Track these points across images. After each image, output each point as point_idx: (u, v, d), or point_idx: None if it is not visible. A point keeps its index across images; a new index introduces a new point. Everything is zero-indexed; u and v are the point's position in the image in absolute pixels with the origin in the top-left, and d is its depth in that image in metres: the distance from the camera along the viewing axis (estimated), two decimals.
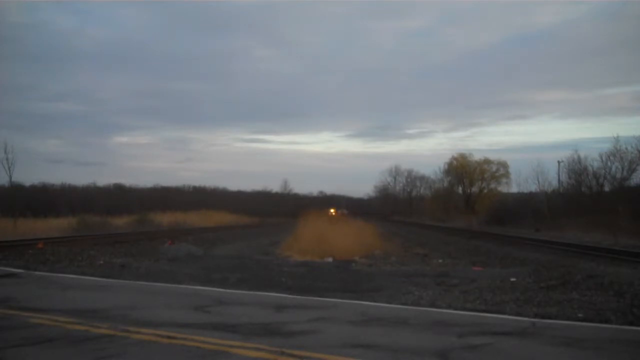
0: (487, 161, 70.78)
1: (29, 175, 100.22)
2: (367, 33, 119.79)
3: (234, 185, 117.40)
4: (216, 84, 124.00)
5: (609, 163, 37.91)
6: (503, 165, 69.09)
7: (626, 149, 36.55)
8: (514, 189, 58.92)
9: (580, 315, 7.20)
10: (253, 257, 16.31)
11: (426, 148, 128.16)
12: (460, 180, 72.69)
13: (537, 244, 23.21)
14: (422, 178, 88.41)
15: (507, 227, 37.74)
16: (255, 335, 5.50)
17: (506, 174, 68.12)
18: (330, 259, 15.37)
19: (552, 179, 45.73)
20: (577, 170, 41.07)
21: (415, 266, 13.90)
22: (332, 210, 47.63)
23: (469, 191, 72.54)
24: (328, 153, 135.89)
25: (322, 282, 10.74)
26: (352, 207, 64.50)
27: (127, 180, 78.67)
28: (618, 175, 37.32)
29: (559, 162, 45.31)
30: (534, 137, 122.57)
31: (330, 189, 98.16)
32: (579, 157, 40.85)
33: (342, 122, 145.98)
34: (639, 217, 26.46)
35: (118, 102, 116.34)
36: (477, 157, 72.50)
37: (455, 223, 51.48)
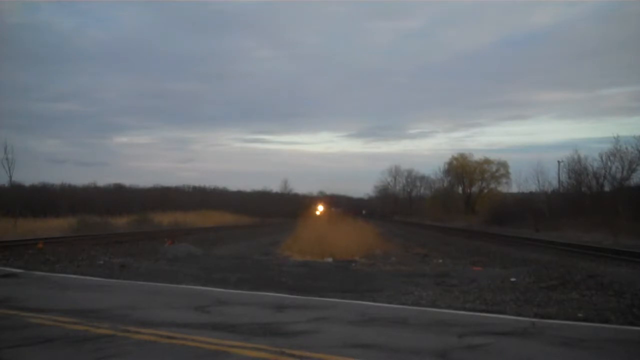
0: (487, 161, 71.06)
1: (29, 175, 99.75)
2: (367, 33, 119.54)
3: (234, 185, 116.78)
4: (216, 84, 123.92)
5: (609, 163, 37.92)
6: (503, 165, 69.36)
7: (626, 149, 36.56)
8: (514, 189, 59.02)
9: (580, 315, 7.20)
10: (253, 257, 16.30)
11: (426, 148, 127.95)
12: (460, 181, 72.85)
13: (537, 244, 23.23)
14: (422, 178, 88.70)
15: (507, 227, 37.73)
16: (256, 336, 5.50)
17: (506, 174, 68.39)
18: (330, 259, 15.35)
19: (552, 179, 45.69)
20: (577, 170, 41.08)
21: (415, 266, 13.89)
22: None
23: (469, 191, 72.68)
24: (328, 153, 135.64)
25: (322, 282, 10.74)
26: (351, 207, 64.05)
27: (127, 180, 78.61)
28: (618, 175, 37.32)
29: (559, 162, 45.33)
30: (534, 137, 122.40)
31: (330, 189, 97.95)
32: (579, 157, 40.90)
33: (342, 122, 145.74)
34: (639, 217, 26.47)
35: (118, 102, 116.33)
36: (477, 157, 72.86)
37: (455, 223, 51.47)
